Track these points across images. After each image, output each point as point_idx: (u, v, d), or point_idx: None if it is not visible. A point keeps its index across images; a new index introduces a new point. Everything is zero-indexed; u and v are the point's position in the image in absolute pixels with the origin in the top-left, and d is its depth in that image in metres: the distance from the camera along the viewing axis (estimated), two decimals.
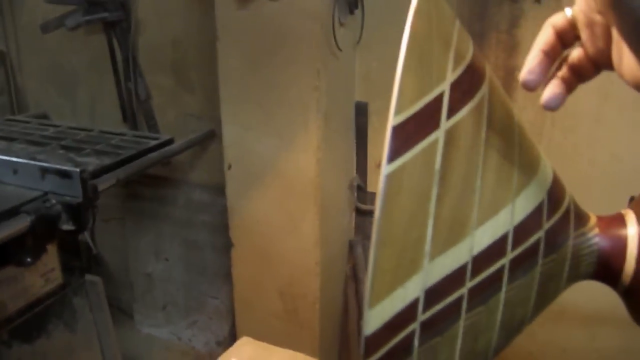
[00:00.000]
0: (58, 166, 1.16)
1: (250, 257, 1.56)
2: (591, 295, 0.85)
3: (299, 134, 1.36)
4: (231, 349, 0.79)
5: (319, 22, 1.26)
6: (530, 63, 0.40)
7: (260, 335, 1.66)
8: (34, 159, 1.30)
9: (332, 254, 1.53)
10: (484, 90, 0.41)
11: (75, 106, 1.99)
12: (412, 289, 0.34)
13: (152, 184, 1.93)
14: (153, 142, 1.54)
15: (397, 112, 0.33)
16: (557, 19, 0.41)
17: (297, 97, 1.33)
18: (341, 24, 1.33)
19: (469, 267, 0.37)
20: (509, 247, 0.40)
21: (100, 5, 1.70)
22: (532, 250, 0.42)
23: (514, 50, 1.32)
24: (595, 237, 0.47)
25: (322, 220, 1.41)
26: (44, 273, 1.32)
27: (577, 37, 0.41)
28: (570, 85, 0.41)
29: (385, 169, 0.31)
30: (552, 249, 0.44)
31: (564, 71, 0.41)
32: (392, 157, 0.32)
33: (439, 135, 0.35)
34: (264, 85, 1.36)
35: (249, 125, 1.42)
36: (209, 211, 1.88)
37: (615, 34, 0.37)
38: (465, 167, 0.37)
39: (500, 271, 0.40)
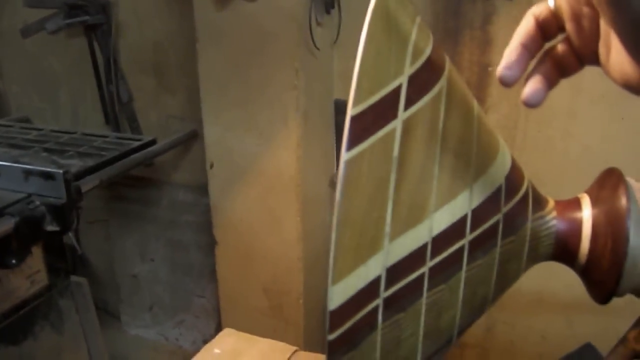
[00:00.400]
0: (41, 168, 1.17)
1: (234, 254, 1.58)
2: (568, 282, 0.88)
3: (279, 133, 1.38)
4: (214, 340, 0.82)
5: (296, 22, 1.28)
6: (509, 58, 0.38)
7: (247, 332, 1.69)
8: (17, 162, 1.31)
9: (315, 249, 1.55)
10: (442, 83, 0.44)
11: (58, 110, 1.99)
12: (373, 267, 0.36)
13: (136, 185, 1.94)
14: (136, 144, 1.56)
15: (355, 103, 0.35)
16: (539, 10, 0.39)
17: (276, 96, 1.35)
18: (318, 24, 1.36)
19: (429, 247, 0.40)
20: (468, 229, 0.43)
21: (80, 8, 1.71)
22: (491, 232, 0.45)
23: (488, 47, 1.35)
24: (553, 219, 0.50)
25: (304, 216, 1.43)
26: (29, 275, 1.33)
27: (560, 29, 0.39)
28: (551, 80, 0.40)
29: (345, 155, 0.34)
30: (511, 230, 0.47)
31: (545, 65, 0.39)
32: (351, 145, 0.34)
33: (396, 125, 0.38)
34: (244, 85, 1.38)
35: (229, 125, 1.44)
36: (193, 211, 1.90)
37: (603, 27, 0.35)
38: (423, 154, 0.40)
39: (460, 251, 0.42)
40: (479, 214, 0.43)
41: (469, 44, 1.37)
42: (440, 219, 0.40)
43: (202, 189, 1.67)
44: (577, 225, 0.49)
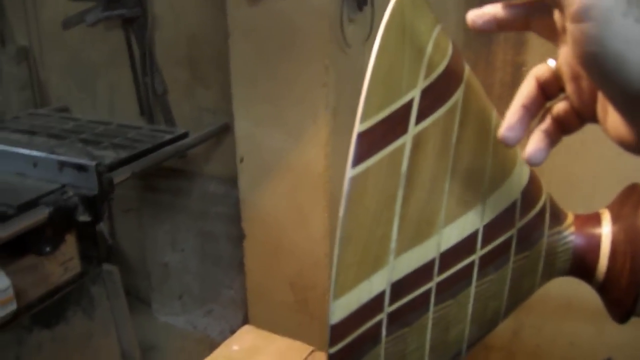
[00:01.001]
0: (75, 160, 1.21)
1: (262, 248, 1.60)
2: None
3: (308, 129, 1.38)
4: (233, 337, 0.83)
5: (327, 18, 1.28)
6: (510, 119, 0.38)
7: (272, 325, 1.70)
8: (53, 152, 1.35)
9: None
10: (458, 95, 0.43)
11: (95, 100, 2.04)
12: (377, 283, 0.37)
13: (168, 176, 1.98)
14: (168, 136, 1.59)
15: (363, 119, 0.35)
16: (541, 71, 0.39)
17: (306, 92, 1.35)
18: (350, 20, 1.35)
19: (437, 263, 0.40)
20: (479, 244, 0.42)
21: (118, 1, 1.74)
22: (504, 248, 0.44)
23: (522, 47, 1.33)
24: (571, 235, 0.49)
25: (331, 213, 1.44)
26: (63, 262, 1.37)
27: (561, 89, 0.40)
28: (553, 138, 0.40)
29: (349, 172, 0.34)
30: (526, 246, 0.46)
31: (547, 123, 0.40)
32: (357, 162, 0.34)
33: (406, 140, 0.38)
34: (274, 81, 1.38)
35: (259, 120, 1.45)
36: (223, 203, 1.92)
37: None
38: (433, 170, 0.39)
39: (469, 267, 0.42)
40: (491, 229, 0.43)
41: (503, 44, 1.34)
42: (450, 235, 0.40)
43: (233, 182, 1.69)
44: (596, 242, 0.48)
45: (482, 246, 0.42)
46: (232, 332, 2.09)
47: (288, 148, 1.44)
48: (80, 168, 1.20)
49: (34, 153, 1.27)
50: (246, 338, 0.79)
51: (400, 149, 0.37)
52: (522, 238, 0.45)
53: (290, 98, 1.39)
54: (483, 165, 0.43)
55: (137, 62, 1.85)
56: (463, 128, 0.42)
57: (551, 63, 0.39)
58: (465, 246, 0.41)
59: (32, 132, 1.58)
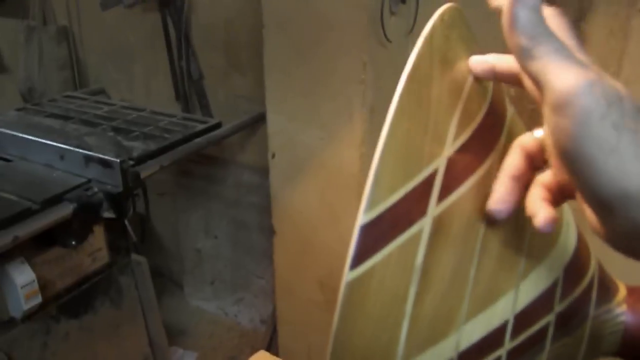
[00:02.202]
0: (100, 155, 1.18)
1: (292, 245, 1.55)
2: None
3: (343, 128, 1.32)
4: None
5: (366, 11, 1.20)
6: (499, 192, 0.34)
7: (301, 322, 1.68)
8: (83, 142, 1.33)
9: None
10: (494, 155, 0.36)
11: (132, 82, 2.02)
12: None
13: (203, 162, 1.95)
14: (201, 126, 1.55)
15: (370, 207, 0.29)
16: (526, 141, 0.35)
17: (342, 89, 1.28)
18: (392, 13, 1.27)
19: None
20: (507, 337, 0.36)
21: None
22: (538, 337, 0.37)
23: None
24: (622, 314, 0.41)
25: None
26: (91, 253, 1.36)
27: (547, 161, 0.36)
28: (556, 203, 0.36)
29: (347, 275, 0.28)
30: (565, 332, 0.39)
31: (544, 193, 0.35)
32: (357, 262, 0.28)
33: (424, 225, 0.31)
34: (309, 76, 1.32)
35: (293, 115, 1.39)
36: (257, 192, 1.89)
37: None
38: (457, 257, 0.33)
39: None
40: (524, 318, 0.36)
41: None
42: (472, 331, 0.34)
43: (267, 172, 1.65)
44: None
45: (512, 339, 0.36)
46: (262, 321, 2.08)
47: (322, 146, 1.38)
48: (106, 164, 1.17)
49: (62, 145, 1.24)
50: None
51: (416, 237, 0.30)
52: (562, 323, 0.38)
53: (325, 94, 1.32)
54: (520, 240, 0.36)
55: (173, 45, 1.81)
56: None
57: (537, 134, 0.35)
58: (491, 342, 0.35)
59: (66, 117, 1.56)
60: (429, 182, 0.32)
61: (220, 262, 2.11)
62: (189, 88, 1.84)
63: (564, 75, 0.28)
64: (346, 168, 1.35)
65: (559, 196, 0.35)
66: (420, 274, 0.31)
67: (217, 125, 1.57)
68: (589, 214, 0.31)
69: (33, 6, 2.09)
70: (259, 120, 1.73)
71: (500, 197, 0.33)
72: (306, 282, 1.57)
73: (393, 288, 0.30)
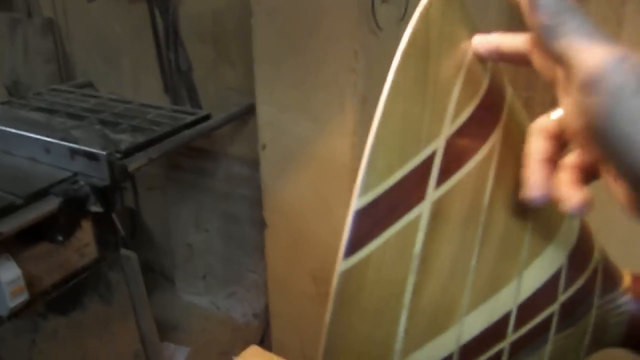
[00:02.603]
0: (86, 148, 1.15)
1: (284, 238, 1.53)
2: None
3: (334, 117, 1.29)
4: (237, 358, 0.77)
5: None
6: (533, 179, 0.33)
7: (294, 316, 1.66)
8: (69, 135, 1.30)
9: None
10: (495, 136, 0.34)
11: (120, 75, 1.98)
12: None
13: (193, 155, 1.92)
14: (190, 118, 1.52)
15: (364, 190, 0.27)
16: (545, 123, 0.34)
17: (333, 78, 1.26)
18: (383, 1, 1.24)
19: (455, 358, 0.32)
20: (510, 328, 0.34)
21: None
22: (542, 328, 0.36)
23: None
24: (627, 302, 0.40)
25: None
26: (79, 248, 1.34)
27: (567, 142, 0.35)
28: (583, 184, 0.34)
29: (341, 264, 0.26)
30: (569, 322, 0.37)
31: (571, 176, 0.34)
32: (352, 250, 0.26)
33: (422, 209, 0.29)
34: (299, 65, 1.29)
35: (283, 106, 1.36)
36: (247, 185, 1.86)
37: None
38: (458, 244, 0.31)
39: (497, 356, 0.34)
40: (528, 308, 0.34)
41: None
42: (474, 323, 0.32)
43: (258, 164, 1.62)
44: None
45: (515, 330, 0.34)
46: (254, 315, 2.06)
47: (313, 136, 1.36)
48: (92, 157, 1.14)
49: (47, 139, 1.22)
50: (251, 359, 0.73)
51: (414, 223, 0.29)
52: (566, 313, 0.37)
53: (316, 83, 1.30)
54: (522, 228, 0.34)
55: (161, 37, 1.78)
56: (499, 183, 0.33)
57: (555, 115, 0.33)
58: (493, 334, 0.33)
59: (51, 111, 1.53)
60: (427, 164, 0.30)
61: (211, 256, 2.08)
62: (177, 80, 1.81)
63: (591, 52, 0.27)
64: (338, 158, 1.33)
65: (584, 177, 0.33)
66: (419, 263, 0.29)
67: (207, 117, 1.54)
68: (620, 191, 0.30)
69: None
70: (249, 111, 1.70)
71: (536, 184, 0.32)
72: (299, 275, 1.55)
73: (390, 278, 0.28)
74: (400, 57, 0.30)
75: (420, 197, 0.29)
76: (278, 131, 1.40)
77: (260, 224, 1.75)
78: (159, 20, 1.75)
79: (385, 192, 0.28)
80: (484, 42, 0.35)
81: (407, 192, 0.28)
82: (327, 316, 0.26)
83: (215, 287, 2.12)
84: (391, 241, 0.28)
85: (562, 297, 0.36)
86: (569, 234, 0.37)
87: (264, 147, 1.45)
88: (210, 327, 2.10)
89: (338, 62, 1.25)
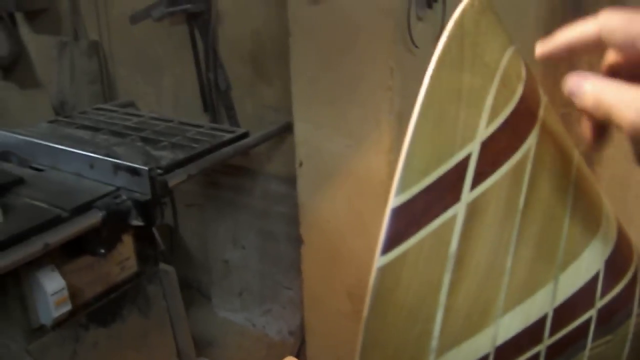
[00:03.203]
0: (128, 163, 1.19)
1: (320, 255, 1.54)
2: None
3: (370, 135, 1.31)
4: None
5: (393, 17, 1.19)
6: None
7: (329, 333, 1.66)
8: (112, 151, 1.35)
9: None
10: (530, 142, 0.35)
11: (161, 95, 2.04)
12: None
13: (231, 173, 1.95)
14: (228, 136, 1.55)
15: (401, 189, 0.28)
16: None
17: (369, 96, 1.27)
18: (419, 19, 1.26)
19: (491, 358, 0.32)
20: (547, 332, 0.34)
21: None
22: (579, 334, 0.36)
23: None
24: None
25: None
26: (120, 261, 1.37)
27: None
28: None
29: (379, 260, 0.27)
30: (607, 329, 0.37)
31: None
32: (389, 247, 0.27)
33: (458, 210, 0.30)
34: (336, 83, 1.31)
35: (320, 123, 1.38)
36: (284, 203, 1.88)
37: None
38: (493, 244, 0.31)
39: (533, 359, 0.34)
40: (564, 312, 0.34)
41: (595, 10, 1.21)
42: (509, 325, 0.32)
43: (294, 182, 1.64)
44: None
45: (551, 334, 0.34)
46: (290, 332, 2.06)
47: (349, 153, 1.37)
48: (134, 172, 1.18)
49: (91, 154, 1.26)
50: None
51: (450, 223, 0.29)
52: (604, 320, 0.37)
53: (352, 101, 1.31)
54: (558, 230, 0.35)
55: (200, 57, 1.83)
56: (534, 186, 0.34)
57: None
58: (529, 336, 0.33)
59: (96, 129, 1.58)
60: (462, 166, 0.31)
61: (248, 273, 2.10)
62: (216, 99, 1.86)
63: None
64: (374, 175, 1.34)
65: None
66: (455, 262, 0.29)
67: (245, 135, 1.57)
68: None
69: (65, 22, 2.14)
70: (286, 129, 1.73)
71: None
72: (335, 292, 1.55)
73: (427, 276, 0.28)
74: (435, 64, 0.31)
75: (455, 197, 0.30)
76: (314, 148, 1.42)
77: (297, 242, 1.77)
78: (199, 41, 1.81)
79: (421, 191, 0.28)
80: (552, 46, 0.35)
81: (443, 192, 0.29)
82: (365, 311, 0.27)
83: (251, 304, 2.14)
84: (427, 240, 0.28)
85: (600, 303, 0.36)
86: (606, 239, 0.37)
87: (300, 164, 1.46)
88: (245, 343, 2.11)
89: (374, 79, 1.26)
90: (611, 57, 0.36)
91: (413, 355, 0.29)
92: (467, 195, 0.30)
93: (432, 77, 0.30)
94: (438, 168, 0.29)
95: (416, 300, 0.28)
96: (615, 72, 0.35)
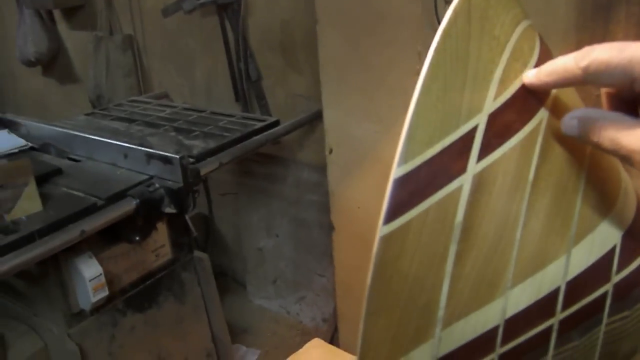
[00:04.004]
0: (161, 152, 1.21)
1: (351, 241, 1.54)
2: None
3: (399, 120, 1.29)
4: (301, 350, 0.79)
5: (419, 1, 1.18)
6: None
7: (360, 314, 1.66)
8: (145, 141, 1.38)
9: None
10: (540, 115, 0.34)
11: (193, 86, 2.07)
12: (418, 359, 0.30)
13: (263, 161, 1.97)
14: (259, 124, 1.57)
15: (404, 159, 0.28)
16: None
17: (397, 81, 1.27)
18: (446, 2, 1.24)
19: (500, 332, 0.32)
20: (559, 306, 0.34)
21: None
22: (594, 308, 0.35)
23: None
24: None
25: None
26: (155, 249, 1.41)
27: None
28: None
29: (381, 229, 0.27)
30: (624, 304, 0.37)
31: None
32: (392, 216, 0.27)
33: (463, 181, 0.30)
34: (364, 69, 1.31)
35: (349, 110, 1.38)
36: (316, 191, 1.89)
37: None
38: (501, 216, 0.31)
39: (545, 334, 0.34)
40: (578, 286, 0.34)
41: (624, 23, 1.17)
42: (519, 297, 0.32)
43: (326, 170, 1.65)
44: None
45: (564, 308, 0.34)
46: (324, 320, 2.08)
47: (379, 139, 1.36)
48: (166, 161, 1.20)
49: (125, 144, 1.29)
50: (313, 352, 0.75)
51: (455, 194, 0.29)
52: (620, 295, 0.36)
53: (381, 87, 1.31)
54: (571, 205, 0.34)
55: (231, 48, 1.84)
56: (546, 159, 0.33)
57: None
58: (541, 309, 0.33)
59: (130, 120, 1.62)
60: (468, 138, 0.31)
61: (281, 261, 2.12)
62: (248, 89, 1.87)
63: None
64: None
65: None
66: (461, 233, 0.30)
67: (276, 123, 1.58)
68: None
69: (100, 17, 2.19)
70: (317, 117, 1.73)
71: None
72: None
73: (431, 246, 0.29)
74: (440, 36, 0.31)
75: (461, 169, 0.30)
76: (344, 135, 1.42)
77: (329, 229, 1.77)
78: (229, 32, 1.82)
79: (425, 162, 0.29)
80: (537, 83, 0.34)
81: (448, 164, 0.29)
82: (369, 278, 0.27)
83: (285, 292, 2.16)
84: (432, 210, 0.29)
85: (616, 278, 0.36)
86: (623, 214, 0.37)
87: (330, 151, 1.47)
88: (280, 330, 2.14)
89: (402, 64, 1.25)
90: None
91: (419, 324, 0.29)
92: (474, 167, 0.30)
93: (437, 49, 0.30)
94: (442, 139, 0.29)
95: (421, 269, 0.28)
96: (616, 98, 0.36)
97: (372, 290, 0.27)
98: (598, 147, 0.31)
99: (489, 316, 0.31)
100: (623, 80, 0.29)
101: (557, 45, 0.42)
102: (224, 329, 1.66)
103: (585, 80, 0.31)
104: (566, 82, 0.32)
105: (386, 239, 0.27)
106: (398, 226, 0.28)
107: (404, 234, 0.28)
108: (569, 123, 0.32)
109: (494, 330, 0.31)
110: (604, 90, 0.36)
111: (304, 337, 2.09)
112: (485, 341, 0.31)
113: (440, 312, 0.29)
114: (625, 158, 0.29)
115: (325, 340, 1.93)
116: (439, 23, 1.10)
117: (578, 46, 0.36)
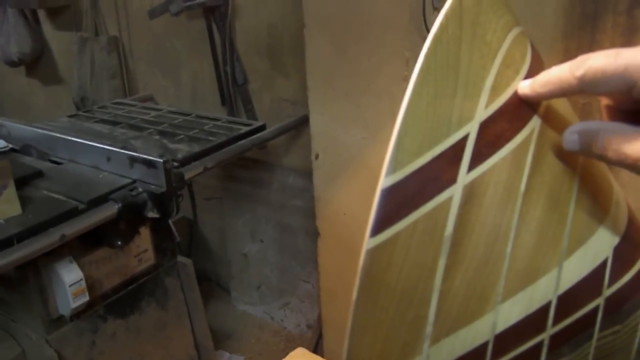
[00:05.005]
0: (144, 155, 1.19)
1: (336, 248, 1.53)
2: None
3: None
4: (285, 359, 0.77)
5: (408, 7, 1.17)
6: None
7: (345, 327, 1.65)
8: (129, 144, 1.35)
9: None
10: (533, 123, 0.34)
11: (179, 88, 2.05)
12: None
13: (249, 166, 1.96)
14: (245, 129, 1.55)
15: (392, 169, 0.27)
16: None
17: (385, 87, 1.26)
18: (435, 8, 1.24)
19: (490, 348, 0.31)
20: (550, 320, 0.33)
21: None
22: (585, 323, 0.34)
23: (634, 35, 1.15)
24: None
25: None
26: (137, 254, 1.38)
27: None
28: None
29: (368, 242, 0.26)
30: (616, 319, 0.36)
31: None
32: (379, 228, 0.26)
33: (454, 192, 0.29)
34: (351, 74, 1.30)
35: (335, 115, 1.37)
36: (302, 196, 1.88)
37: None
38: (492, 228, 0.30)
39: (536, 349, 0.33)
40: (569, 300, 0.33)
41: (610, 32, 1.18)
42: (510, 311, 0.31)
43: (312, 175, 1.64)
44: None
45: (555, 322, 0.33)
46: (308, 326, 2.06)
47: (365, 145, 1.36)
48: (150, 164, 1.18)
49: (108, 147, 1.27)
50: None
51: (445, 205, 0.28)
52: (612, 309, 0.35)
53: (368, 93, 1.30)
54: (563, 217, 0.33)
55: (218, 51, 1.83)
56: (537, 169, 0.33)
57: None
58: (531, 324, 0.32)
59: (114, 123, 1.60)
60: (459, 147, 0.29)
61: (266, 266, 2.10)
62: (234, 93, 1.86)
63: None
64: None
65: None
66: (450, 246, 0.28)
67: (262, 128, 1.57)
68: None
69: (86, 18, 2.16)
70: (303, 122, 1.72)
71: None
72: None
73: (420, 259, 0.28)
74: (431, 41, 0.30)
75: (451, 179, 0.29)
76: (331, 140, 1.41)
77: (314, 235, 1.76)
78: (216, 35, 1.81)
79: (414, 172, 0.27)
80: (533, 94, 0.34)
81: (438, 174, 0.28)
82: (354, 293, 0.26)
83: (270, 297, 2.14)
84: (420, 222, 0.27)
85: (608, 291, 0.35)
86: (615, 226, 0.36)
87: (317, 156, 1.46)
88: (264, 337, 2.12)
89: (390, 70, 1.25)
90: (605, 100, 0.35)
91: (406, 340, 0.28)
92: (464, 177, 0.29)
93: (427, 54, 0.29)
94: (432, 149, 0.28)
95: (409, 283, 0.27)
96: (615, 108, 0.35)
97: (358, 305, 0.26)
98: (602, 160, 0.30)
99: (479, 332, 0.30)
100: (620, 87, 0.28)
101: (545, 53, 0.41)
102: (207, 335, 1.64)
103: (582, 90, 0.30)
104: (562, 92, 0.31)
105: (373, 252, 0.26)
106: (385, 239, 0.26)
107: (392, 247, 0.27)
108: (569, 138, 0.31)
109: (484, 346, 0.30)
110: (603, 103, 0.35)
111: (288, 343, 2.07)
112: (474, 357, 0.30)
113: (429, 328, 0.28)
114: (631, 167, 0.29)
115: (310, 347, 1.91)
116: (427, 29, 1.10)
117: (565, 54, 0.35)
